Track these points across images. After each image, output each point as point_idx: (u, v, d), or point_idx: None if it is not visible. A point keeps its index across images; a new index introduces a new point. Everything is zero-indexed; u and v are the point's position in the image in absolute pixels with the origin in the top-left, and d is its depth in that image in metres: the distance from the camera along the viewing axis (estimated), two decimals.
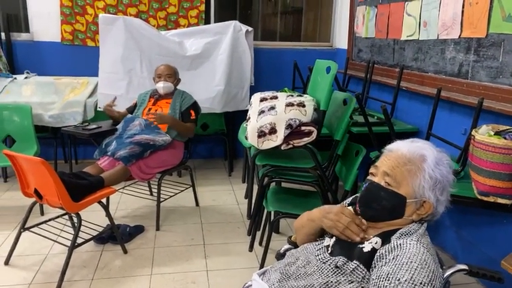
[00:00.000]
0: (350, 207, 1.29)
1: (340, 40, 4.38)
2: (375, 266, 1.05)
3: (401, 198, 1.15)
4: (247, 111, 2.53)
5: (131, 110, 3.19)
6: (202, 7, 4.12)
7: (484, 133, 1.87)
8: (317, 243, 1.25)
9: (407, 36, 3.03)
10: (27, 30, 3.99)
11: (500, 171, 1.75)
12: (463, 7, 2.42)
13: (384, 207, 1.17)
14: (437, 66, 2.72)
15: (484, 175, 1.82)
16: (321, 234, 1.31)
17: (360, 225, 1.19)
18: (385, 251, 1.06)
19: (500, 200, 1.81)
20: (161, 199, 2.95)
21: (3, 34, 3.84)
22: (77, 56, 4.02)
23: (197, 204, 3.31)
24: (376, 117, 3.09)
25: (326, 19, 4.57)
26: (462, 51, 2.47)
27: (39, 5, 3.91)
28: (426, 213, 1.15)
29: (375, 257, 1.07)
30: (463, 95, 2.45)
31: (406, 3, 3.01)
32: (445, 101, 2.54)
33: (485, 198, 1.86)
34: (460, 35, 2.47)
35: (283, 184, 2.79)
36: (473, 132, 1.89)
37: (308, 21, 4.62)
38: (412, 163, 1.16)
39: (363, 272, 1.07)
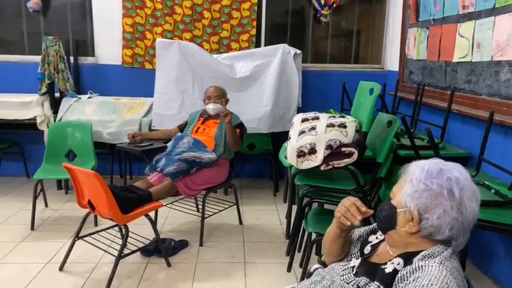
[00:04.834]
0: None
1: (392, 62, 4.32)
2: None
3: (393, 208, 1.17)
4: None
5: (182, 127, 3.35)
6: (253, 31, 4.26)
7: None
8: (344, 264, 1.25)
9: (459, 58, 2.93)
10: (92, 54, 4.35)
11: None
12: None
13: (384, 218, 1.19)
14: (491, 89, 2.60)
15: None
16: (346, 243, 1.33)
17: (359, 208, 1.23)
18: (407, 272, 1.04)
19: None
20: (206, 215, 3.03)
21: (72, 58, 4.21)
22: (135, 78, 4.30)
23: (241, 222, 3.36)
24: (425, 140, 2.99)
25: (377, 41, 4.53)
26: None
27: (105, 32, 4.26)
28: (416, 224, 1.10)
29: (396, 278, 1.05)
30: None
31: (459, 24, 2.93)
32: (499, 125, 2.42)
33: None
34: None
35: (326, 206, 2.76)
36: None
37: (359, 43, 4.62)
38: (406, 174, 1.17)
39: None
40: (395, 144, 2.44)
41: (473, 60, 2.78)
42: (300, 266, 2.66)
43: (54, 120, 3.80)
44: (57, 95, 3.97)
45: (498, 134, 2.49)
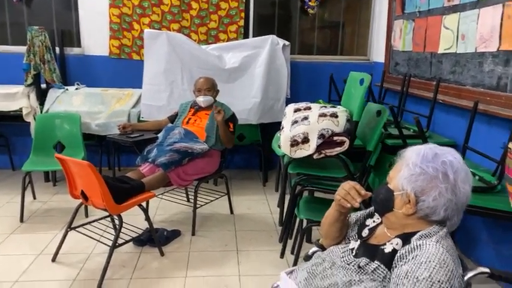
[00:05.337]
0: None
1: (378, 54, 4.39)
2: (395, 266, 1.09)
3: (390, 191, 1.22)
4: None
5: (172, 118, 3.35)
6: (242, 22, 4.27)
7: None
8: (343, 246, 1.30)
9: (444, 50, 3.02)
10: (78, 45, 4.29)
11: None
12: (501, 20, 2.40)
13: (381, 201, 1.25)
14: (475, 79, 2.69)
15: None
16: (344, 226, 1.38)
17: (359, 191, 1.28)
18: (405, 251, 1.10)
19: None
20: (197, 206, 3.06)
21: (57, 49, 4.15)
22: (123, 69, 4.27)
23: (232, 212, 3.40)
24: (412, 130, 3.07)
25: (364, 33, 4.60)
26: (501, 64, 2.44)
27: (91, 22, 4.21)
28: (413, 206, 1.16)
29: (396, 258, 1.11)
30: (502, 108, 2.41)
31: (444, 16, 3.00)
32: (483, 114, 2.50)
33: None
34: (498, 48, 2.44)
35: (316, 194, 2.82)
36: (510, 145, 1.86)
37: (346, 35, 4.67)
38: (403, 159, 1.22)
39: (384, 272, 1.11)
40: (383, 134, 2.51)
41: (457, 52, 2.86)
42: (292, 252, 2.72)
43: (41, 112, 3.76)
44: (43, 86, 3.91)
45: (482, 123, 2.58)
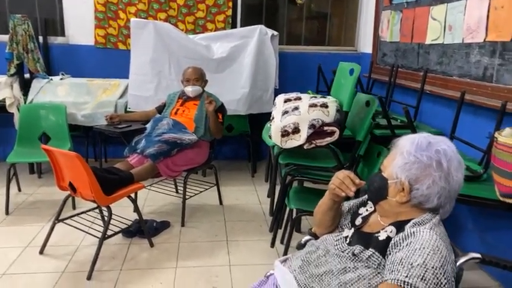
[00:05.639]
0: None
1: (365, 44, 4.41)
2: (390, 253, 1.11)
3: (384, 180, 1.23)
4: (271, 113, 2.61)
5: (160, 109, 3.32)
6: (229, 12, 4.23)
7: (507, 135, 1.88)
8: (336, 235, 1.32)
9: (432, 40, 3.04)
10: (63, 34, 4.20)
11: None
12: (488, 11, 2.43)
13: (375, 189, 1.26)
14: (462, 70, 2.72)
15: (507, 177, 1.82)
16: (337, 215, 1.39)
17: (353, 180, 1.29)
18: (399, 239, 1.12)
19: None
20: (186, 197, 3.05)
21: (41, 38, 4.05)
22: (109, 59, 4.20)
23: (221, 202, 3.40)
24: (399, 120, 3.11)
25: (351, 23, 4.61)
26: (487, 54, 2.47)
27: (75, 10, 4.11)
28: (407, 194, 1.18)
29: (390, 245, 1.13)
30: (488, 99, 2.45)
31: (431, 7, 3.03)
32: (469, 105, 2.54)
33: (507, 200, 1.86)
34: (485, 39, 2.48)
35: (306, 184, 2.84)
36: (496, 135, 1.90)
37: (333, 25, 4.68)
38: (397, 148, 1.23)
39: (379, 259, 1.13)
40: (372, 124, 2.53)
41: (445, 43, 2.89)
42: (281, 242, 2.74)
43: (25, 102, 3.68)
44: (26, 76, 3.82)
45: (468, 113, 2.62)
